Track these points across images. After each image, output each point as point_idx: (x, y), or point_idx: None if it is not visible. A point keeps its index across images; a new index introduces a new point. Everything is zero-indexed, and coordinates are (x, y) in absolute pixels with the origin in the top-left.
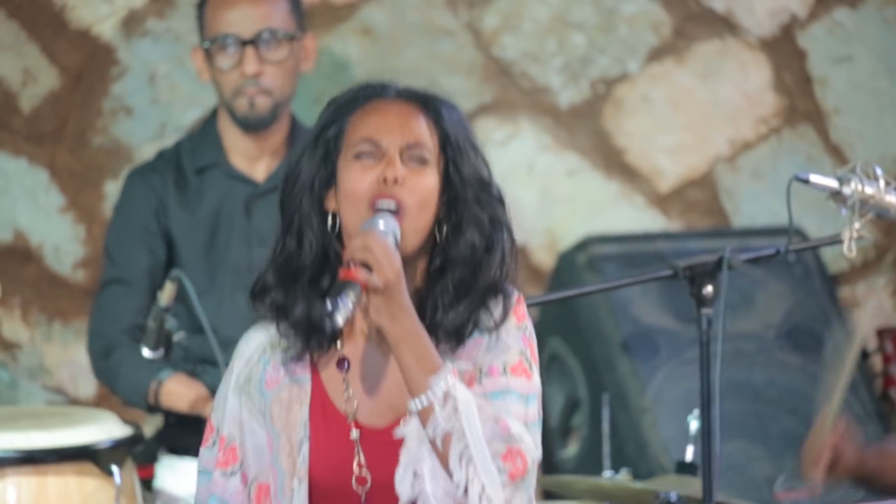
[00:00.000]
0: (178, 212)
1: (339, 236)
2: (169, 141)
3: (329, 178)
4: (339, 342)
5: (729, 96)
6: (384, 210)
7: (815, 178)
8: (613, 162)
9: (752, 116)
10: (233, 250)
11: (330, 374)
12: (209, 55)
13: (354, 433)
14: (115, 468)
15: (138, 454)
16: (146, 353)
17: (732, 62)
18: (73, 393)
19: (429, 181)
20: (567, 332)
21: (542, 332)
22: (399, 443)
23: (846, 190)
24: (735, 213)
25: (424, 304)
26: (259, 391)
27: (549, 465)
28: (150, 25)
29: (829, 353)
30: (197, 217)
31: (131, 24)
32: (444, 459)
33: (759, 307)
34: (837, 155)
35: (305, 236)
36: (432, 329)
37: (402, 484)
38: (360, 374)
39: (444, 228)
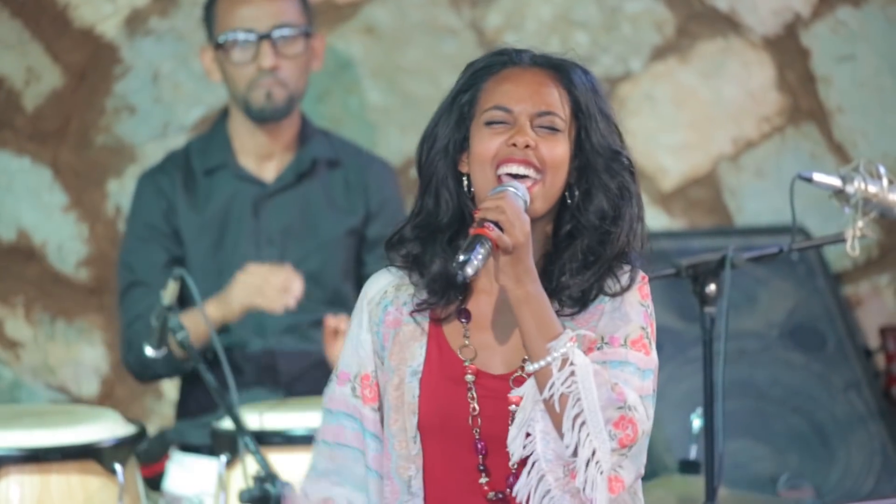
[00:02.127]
0: (187, 212)
1: (473, 198)
2: (172, 140)
3: (463, 142)
4: (461, 297)
5: (732, 95)
6: (513, 174)
7: (818, 176)
8: None
9: (756, 115)
10: (241, 250)
11: (450, 324)
12: (224, 50)
13: (470, 376)
14: (118, 467)
15: (143, 453)
16: (149, 352)
17: (736, 61)
18: (76, 392)
19: (559, 148)
20: None
21: None
22: (508, 393)
23: (849, 188)
24: (738, 211)
25: (551, 268)
26: (378, 330)
27: None
28: (154, 24)
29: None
30: (205, 217)
31: (134, 22)
32: (557, 422)
33: (762, 306)
34: (841, 153)
35: (442, 196)
36: (557, 292)
37: (514, 443)
38: (478, 327)
39: (575, 194)
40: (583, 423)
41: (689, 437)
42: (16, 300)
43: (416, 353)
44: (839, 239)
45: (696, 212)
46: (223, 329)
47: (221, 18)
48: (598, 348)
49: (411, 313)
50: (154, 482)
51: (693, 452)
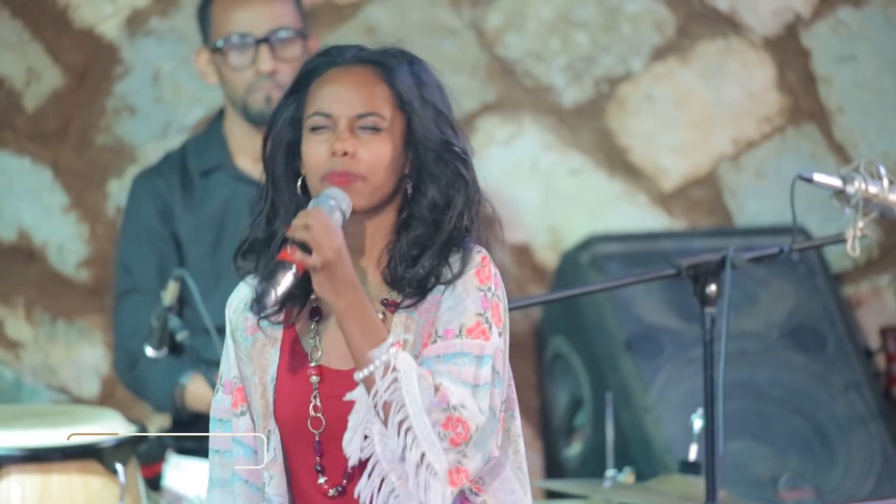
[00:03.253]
0: (184, 214)
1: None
2: (172, 140)
3: (298, 143)
4: (313, 296)
5: (732, 95)
6: (334, 186)
7: (818, 177)
8: (617, 161)
9: (756, 115)
10: None
11: (303, 324)
12: (221, 54)
13: (315, 377)
14: (119, 466)
15: (143, 453)
16: (150, 352)
17: (736, 61)
18: (76, 392)
19: (380, 149)
20: (570, 331)
21: (546, 331)
22: (355, 388)
23: (850, 189)
24: (738, 212)
25: (392, 258)
26: (243, 337)
27: (552, 464)
28: (154, 24)
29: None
30: (203, 218)
31: (135, 23)
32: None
33: (762, 306)
34: (841, 154)
35: (281, 200)
36: (397, 281)
37: (351, 446)
38: (329, 324)
39: (410, 186)
40: (408, 429)
41: (689, 438)
42: (16, 300)
43: (273, 359)
44: (840, 239)
45: (696, 212)
46: (219, 331)
47: (217, 22)
48: (433, 342)
49: (259, 320)
50: (154, 482)
51: (693, 453)
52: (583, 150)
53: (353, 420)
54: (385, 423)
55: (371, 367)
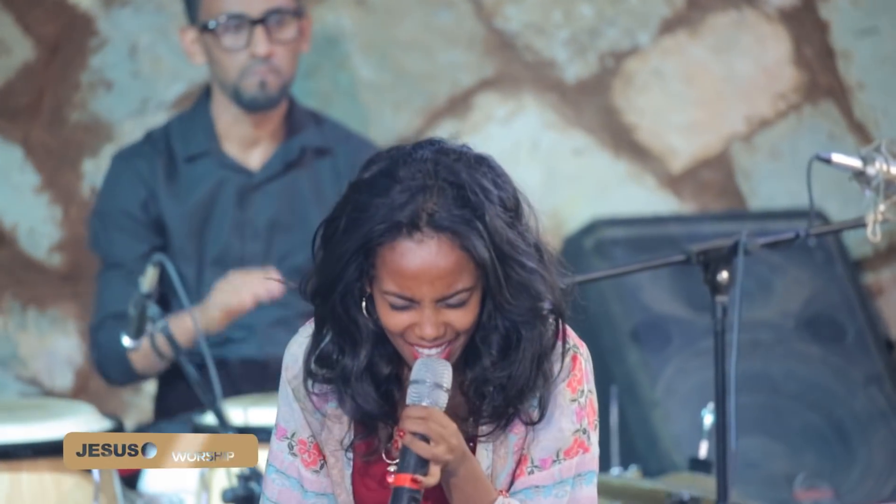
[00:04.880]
0: (169, 200)
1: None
2: (151, 117)
3: (363, 283)
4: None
5: (746, 71)
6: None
7: (837, 157)
8: (623, 140)
9: (771, 92)
10: (224, 242)
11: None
12: (213, 35)
13: (392, 479)
14: None
15: None
16: (126, 342)
17: (749, 35)
18: (48, 384)
19: (468, 314)
20: (573, 320)
21: None
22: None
23: (870, 170)
24: (752, 194)
25: (468, 388)
26: (306, 399)
27: None
28: None
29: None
30: (188, 206)
31: None
32: None
33: (777, 295)
34: (861, 133)
35: (353, 327)
36: (475, 412)
37: None
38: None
39: (487, 310)
40: None
41: (699, 434)
42: None
43: (347, 433)
44: (859, 224)
45: (707, 195)
46: None
47: (208, 0)
48: (530, 472)
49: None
50: (131, 481)
51: (703, 450)
52: (586, 128)
53: None
54: None
55: None
